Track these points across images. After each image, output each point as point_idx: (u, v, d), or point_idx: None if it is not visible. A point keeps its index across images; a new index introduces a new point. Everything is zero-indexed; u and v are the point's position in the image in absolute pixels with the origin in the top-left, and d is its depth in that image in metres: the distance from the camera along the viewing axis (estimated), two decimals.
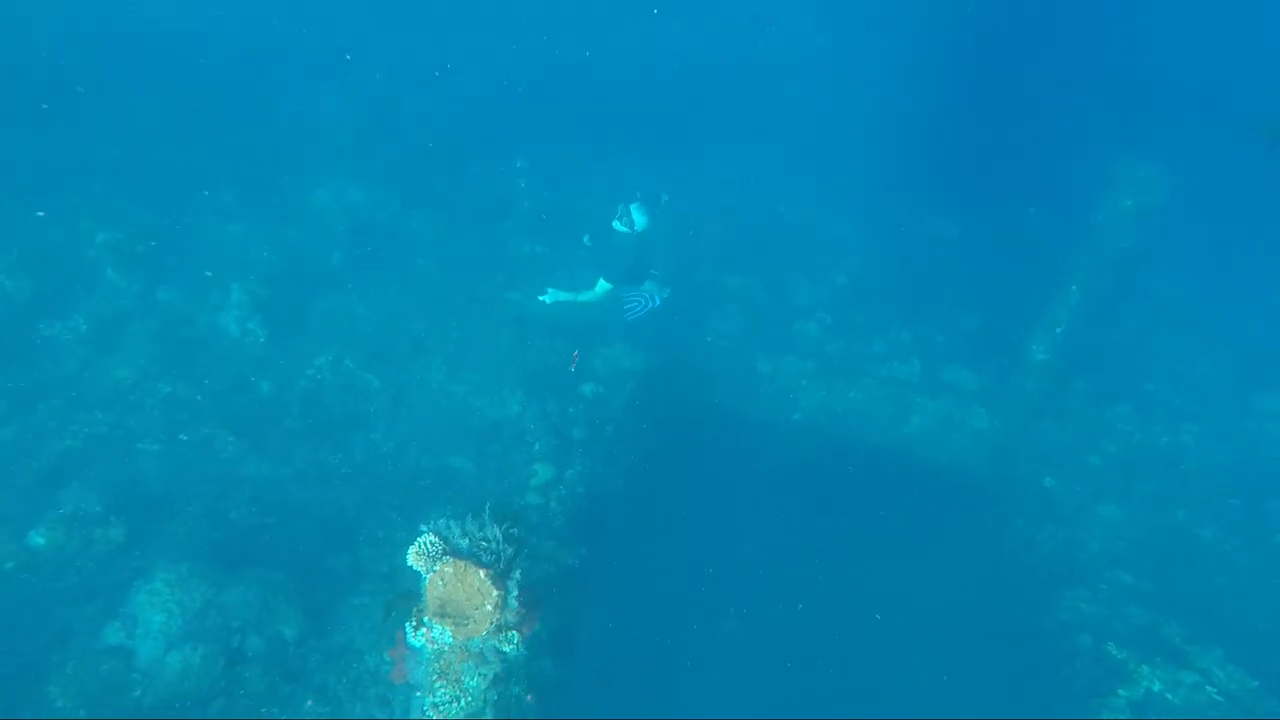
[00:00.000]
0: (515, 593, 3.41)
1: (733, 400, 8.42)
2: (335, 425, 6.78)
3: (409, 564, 3.32)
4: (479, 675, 3.39)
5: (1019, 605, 6.19)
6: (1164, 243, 8.75)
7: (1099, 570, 6.37)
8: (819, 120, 15.19)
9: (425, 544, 3.31)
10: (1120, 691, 4.98)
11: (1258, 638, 5.58)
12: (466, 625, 3.29)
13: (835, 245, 10.76)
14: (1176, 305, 10.18)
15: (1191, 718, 4.85)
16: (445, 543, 3.33)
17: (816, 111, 15.74)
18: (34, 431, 5.99)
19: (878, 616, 5.80)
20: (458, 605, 3.27)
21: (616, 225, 6.86)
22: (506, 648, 3.44)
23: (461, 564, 3.26)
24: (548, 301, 7.47)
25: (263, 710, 4.50)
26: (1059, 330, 7.56)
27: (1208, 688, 4.91)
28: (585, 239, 7.10)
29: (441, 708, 3.42)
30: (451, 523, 3.40)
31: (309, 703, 4.60)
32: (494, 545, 3.36)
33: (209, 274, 7.54)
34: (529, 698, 3.77)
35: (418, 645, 3.43)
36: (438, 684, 3.40)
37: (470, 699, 3.41)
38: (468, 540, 3.36)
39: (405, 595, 3.59)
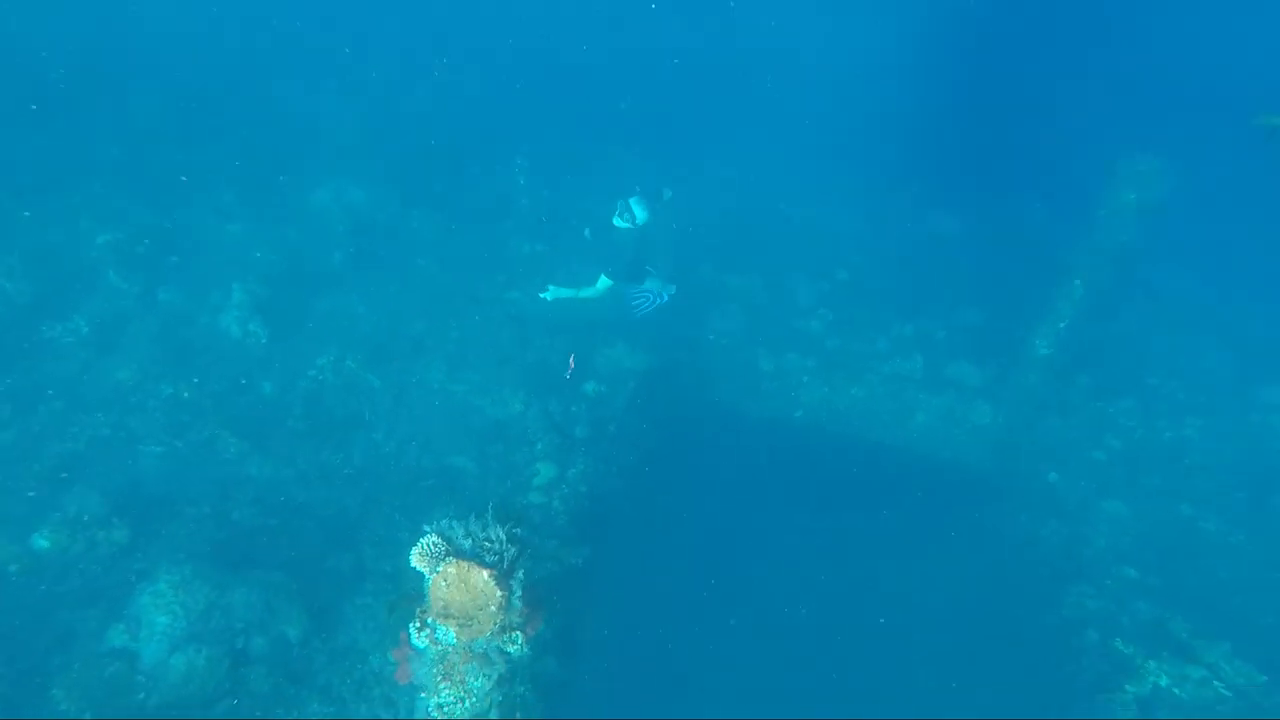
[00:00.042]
0: (519, 593, 3.40)
1: (735, 398, 8.40)
2: (337, 425, 6.76)
3: (412, 565, 3.31)
4: (483, 676, 3.38)
5: (1024, 602, 6.17)
6: (1167, 237, 8.71)
7: (1104, 566, 6.35)
8: (820, 117, 15.14)
9: (428, 545, 3.29)
10: (1127, 687, 4.97)
11: (1265, 632, 5.55)
12: (470, 626, 3.28)
13: (837, 242, 10.73)
14: (1180, 299, 10.15)
15: (1199, 714, 4.83)
16: (448, 543, 3.32)
17: (818, 109, 15.69)
18: (36, 434, 5.98)
19: (881, 620, 5.78)
20: (461, 606, 3.26)
21: (617, 221, 6.85)
22: (511, 648, 3.44)
23: (465, 565, 3.25)
24: (549, 299, 7.46)
25: (268, 712, 4.49)
26: (1062, 325, 7.53)
27: (1215, 682, 4.89)
28: (586, 232, 7.10)
29: (446, 709, 3.41)
30: (454, 523, 3.39)
31: (314, 704, 4.59)
32: (497, 546, 3.35)
33: (184, 262, 7.27)
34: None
35: (421, 646, 3.42)
36: (442, 685, 3.39)
37: (475, 700, 3.40)
38: (471, 541, 3.35)
39: (409, 595, 3.59)
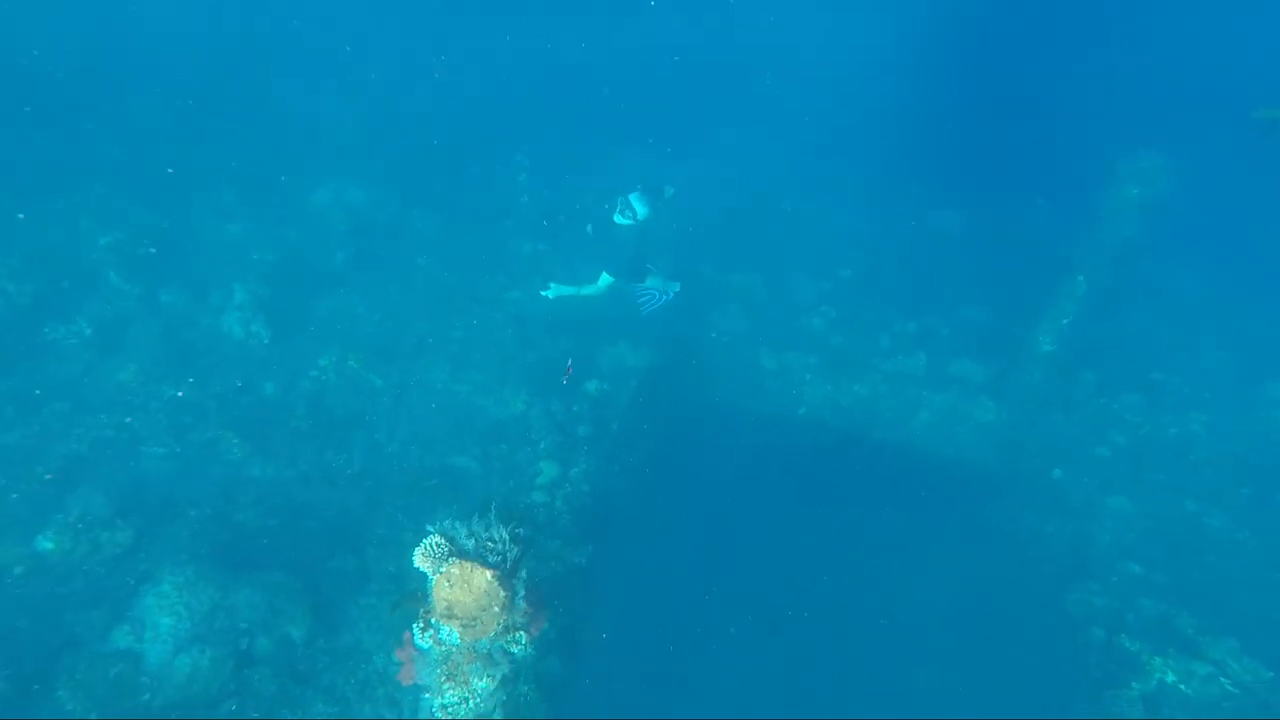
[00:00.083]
0: (522, 593, 3.39)
1: (737, 396, 8.38)
2: (339, 426, 6.76)
3: (415, 566, 3.31)
4: (487, 676, 3.38)
5: (1029, 599, 6.15)
6: (1171, 233, 8.68)
7: (1109, 562, 6.33)
8: (822, 114, 15.09)
9: (431, 545, 3.29)
10: (1133, 684, 4.95)
11: (1272, 628, 5.53)
12: (474, 627, 3.27)
13: (839, 239, 10.70)
14: (1184, 295, 10.10)
15: (1206, 711, 4.81)
16: (451, 544, 3.31)
17: (819, 106, 15.64)
18: (39, 435, 5.99)
19: (885, 619, 5.76)
20: (465, 607, 3.25)
21: (618, 218, 6.84)
22: (514, 649, 3.43)
23: (468, 565, 3.24)
24: (550, 296, 7.45)
25: (272, 712, 4.50)
26: (1065, 321, 7.51)
27: (1222, 679, 4.87)
28: (589, 229, 7.10)
29: (450, 709, 3.40)
30: (457, 524, 3.38)
31: (318, 704, 4.60)
32: (500, 546, 3.34)
33: (154, 251, 7.19)
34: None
35: (425, 647, 3.41)
36: (446, 685, 3.38)
37: (479, 700, 3.40)
38: (474, 541, 3.34)
39: (412, 595, 3.58)
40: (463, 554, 3.31)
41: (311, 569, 5.40)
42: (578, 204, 7.81)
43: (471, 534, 3.36)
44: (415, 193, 10.00)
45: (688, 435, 7.68)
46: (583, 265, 7.19)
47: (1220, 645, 5.11)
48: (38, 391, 6.27)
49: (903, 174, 12.58)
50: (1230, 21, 16.71)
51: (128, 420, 6.28)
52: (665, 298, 7.25)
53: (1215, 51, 17.01)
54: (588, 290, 7.30)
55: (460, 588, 3.26)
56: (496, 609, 3.28)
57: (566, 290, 7.39)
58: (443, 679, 3.42)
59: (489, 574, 3.26)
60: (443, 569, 3.27)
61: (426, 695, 3.55)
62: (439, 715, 3.44)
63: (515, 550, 3.40)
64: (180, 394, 6.49)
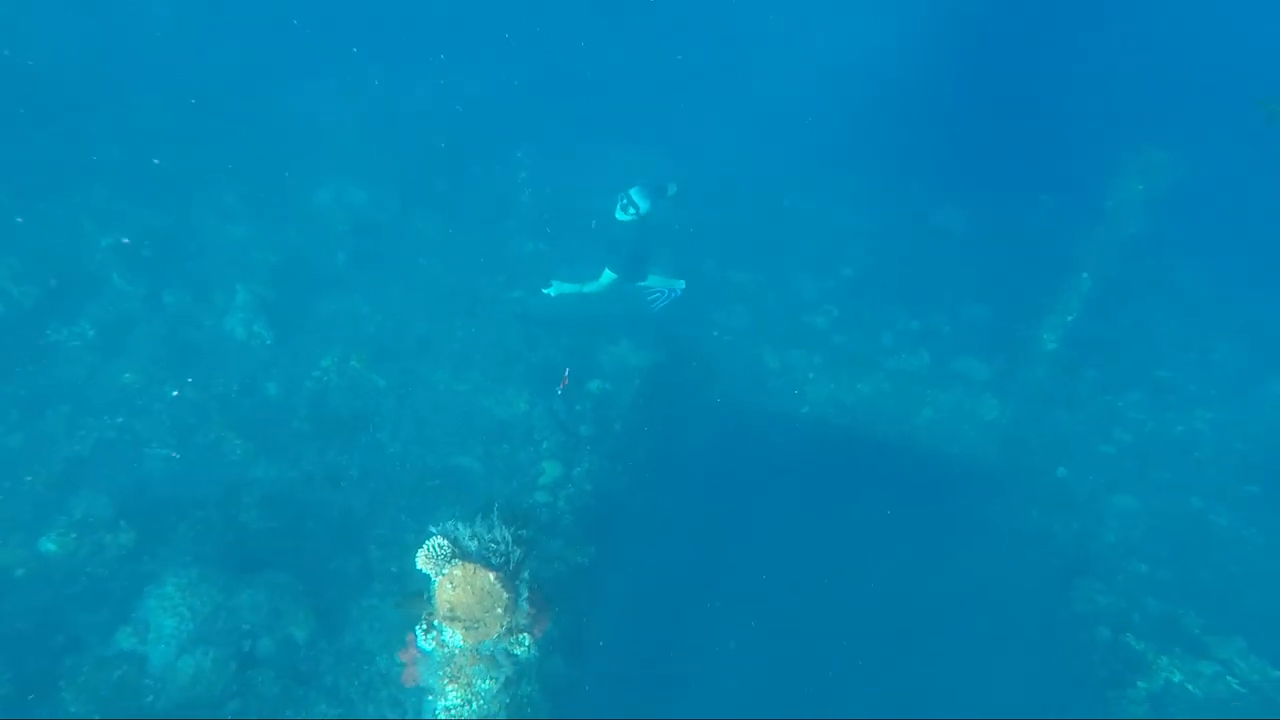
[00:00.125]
0: (525, 594, 3.38)
1: (740, 395, 8.36)
2: (342, 426, 6.76)
3: (418, 567, 3.30)
4: (490, 678, 3.37)
5: (1035, 597, 6.13)
6: (1176, 228, 8.63)
7: (1115, 561, 6.30)
8: (825, 112, 15.04)
9: (434, 547, 3.28)
10: (1139, 683, 4.92)
11: (1279, 627, 5.49)
12: (477, 629, 3.26)
13: (841, 237, 10.66)
14: (1188, 291, 10.04)
15: (1213, 711, 4.78)
16: (454, 545, 3.30)
17: (822, 104, 15.58)
18: (43, 437, 6.00)
19: (887, 620, 5.74)
20: (468, 608, 3.24)
21: (620, 214, 6.84)
22: (518, 650, 3.42)
23: (471, 567, 3.23)
24: (552, 295, 7.45)
25: (275, 713, 4.49)
26: (1069, 318, 7.47)
27: (1229, 678, 4.84)
28: (593, 224, 7.11)
29: (453, 711, 3.39)
30: (460, 525, 3.37)
31: (321, 705, 4.59)
32: (503, 547, 3.33)
33: (127, 241, 7.13)
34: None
35: (428, 649, 3.40)
36: (449, 687, 3.37)
37: (482, 702, 3.39)
38: (476, 542, 3.33)
39: (415, 595, 3.57)
40: (466, 556, 3.29)
41: (314, 570, 5.40)
42: (579, 202, 7.81)
43: (474, 535, 3.35)
44: (416, 192, 9.99)
45: (690, 434, 7.67)
46: (584, 262, 7.19)
47: (1227, 644, 5.08)
48: (40, 394, 6.28)
49: (905, 171, 12.53)
50: (1236, 16, 16.60)
51: (131, 422, 6.28)
52: (673, 295, 7.30)
53: (1221, 46, 16.90)
54: (590, 287, 7.29)
55: (463, 589, 3.25)
56: (500, 611, 3.27)
57: (569, 288, 7.38)
58: (446, 681, 3.41)
59: (492, 576, 3.24)
60: (445, 571, 3.26)
61: (430, 697, 3.54)
62: (442, 717, 3.43)
63: (518, 551, 3.39)
64: (176, 393, 6.48)
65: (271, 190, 9.39)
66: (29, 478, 5.60)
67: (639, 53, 17.30)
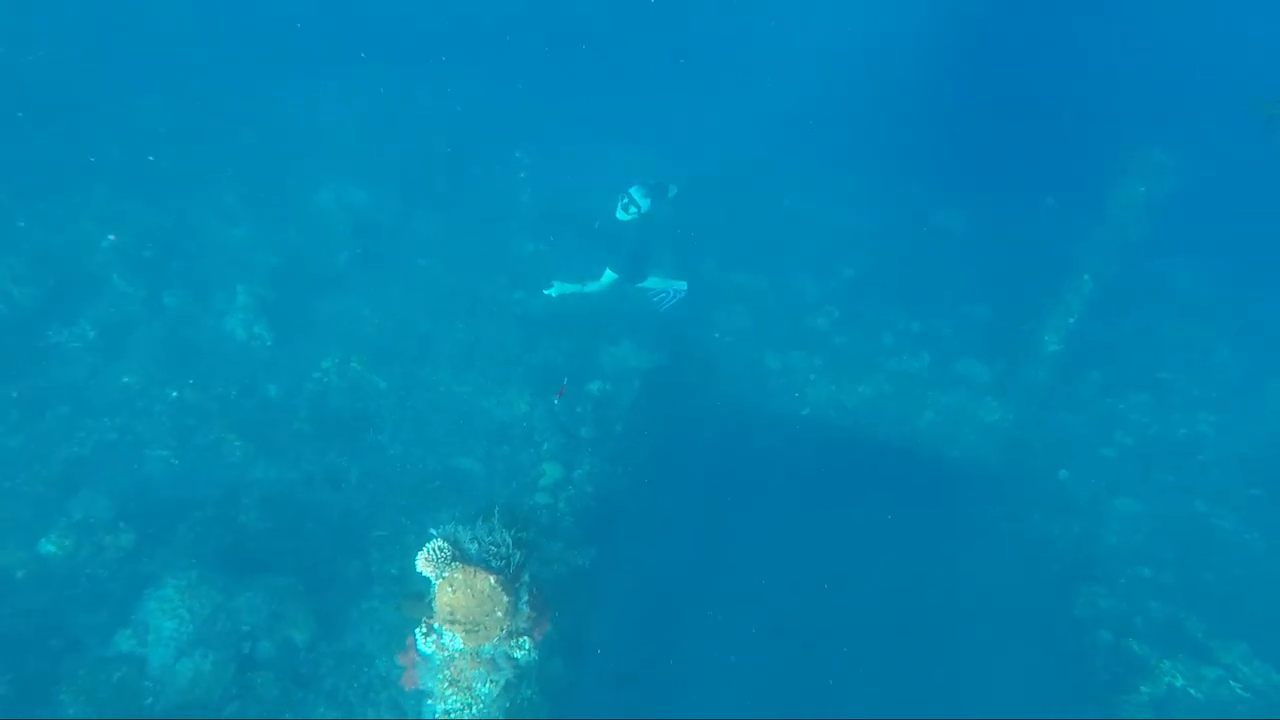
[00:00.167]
0: (526, 598, 3.37)
1: (741, 396, 8.35)
2: (343, 428, 6.75)
3: (418, 570, 3.28)
4: (490, 682, 3.36)
5: (1036, 601, 6.11)
6: (1178, 230, 8.60)
7: (1117, 564, 6.27)
8: (825, 113, 15.03)
9: (434, 550, 3.26)
10: (1142, 688, 4.90)
11: None
12: (477, 632, 3.25)
13: (842, 238, 10.64)
14: (1191, 293, 10.01)
15: (1216, 715, 4.76)
16: (454, 548, 3.29)
17: (823, 104, 15.57)
18: (43, 439, 5.99)
19: (888, 623, 5.72)
20: (468, 612, 3.23)
21: (621, 214, 6.85)
22: (518, 653, 3.40)
23: (471, 570, 3.22)
24: (554, 295, 7.45)
25: (275, 715, 4.48)
26: (1071, 320, 7.46)
27: (1232, 683, 4.82)
28: (595, 224, 7.13)
29: (453, 714, 3.38)
30: (460, 528, 3.36)
31: (321, 708, 4.58)
32: (503, 550, 3.32)
33: (113, 238, 7.11)
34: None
35: (428, 652, 3.39)
36: (449, 691, 3.36)
37: (482, 706, 3.37)
38: (477, 545, 3.32)
39: (415, 598, 3.56)
40: (466, 558, 3.28)
41: (314, 571, 5.39)
42: (580, 202, 7.81)
43: (475, 538, 3.34)
44: (417, 193, 9.98)
45: (691, 436, 7.66)
46: (585, 262, 7.20)
47: (1231, 649, 5.05)
48: (40, 395, 6.28)
49: (906, 171, 12.51)
50: (1238, 17, 16.58)
51: (131, 423, 6.28)
52: (679, 296, 7.35)
53: (1223, 48, 16.88)
54: (591, 287, 7.30)
55: (463, 593, 3.24)
56: (500, 614, 3.26)
57: (570, 288, 7.38)
58: (445, 684, 3.40)
59: (492, 579, 3.23)
60: (445, 574, 3.25)
61: (429, 700, 3.53)
62: None
63: (519, 554, 3.38)
64: (176, 394, 6.47)
65: (272, 191, 9.39)
66: (29, 479, 5.59)
67: (640, 53, 17.31)
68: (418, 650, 3.45)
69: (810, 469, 7.32)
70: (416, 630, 3.38)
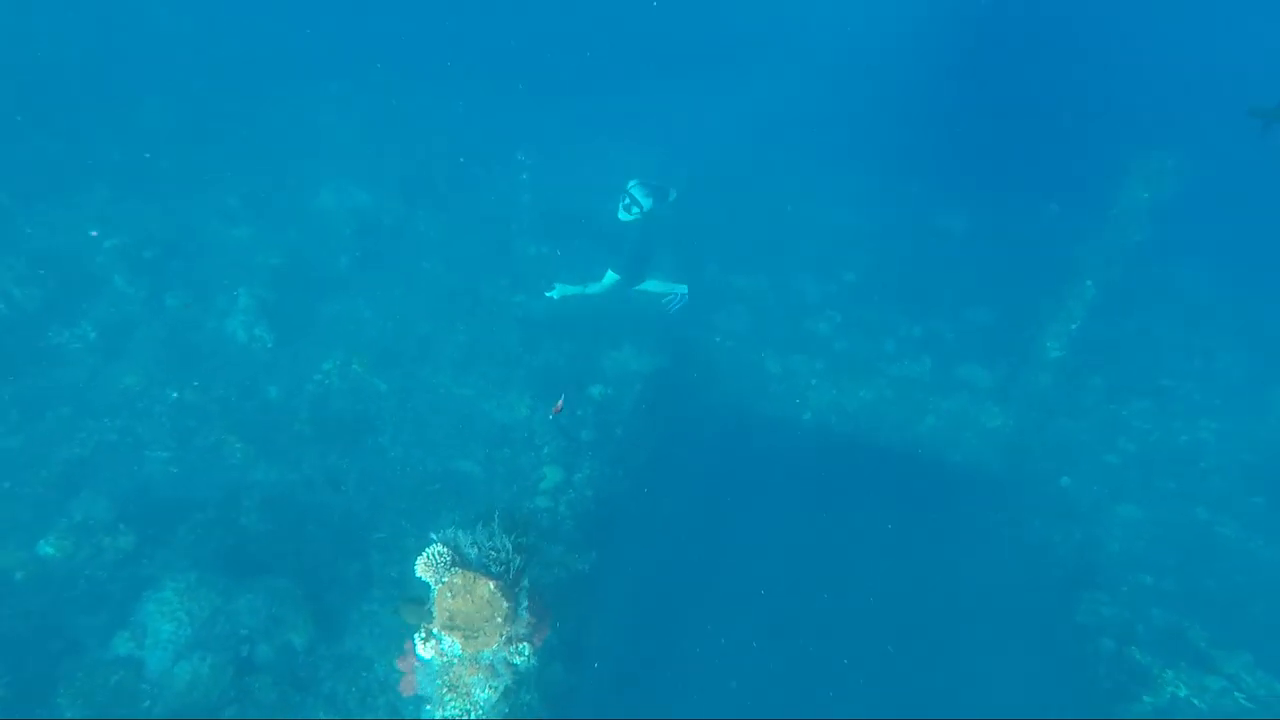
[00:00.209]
0: (525, 603, 3.35)
1: (742, 400, 8.33)
2: (343, 430, 6.74)
3: (418, 575, 3.27)
4: (489, 688, 3.34)
5: (1037, 608, 6.08)
6: (1181, 235, 8.59)
7: (1119, 571, 6.24)
8: (827, 115, 15.03)
9: (434, 554, 3.25)
10: (1145, 698, 4.87)
11: None
12: (476, 638, 3.23)
13: (844, 242, 10.64)
14: (1194, 299, 9.99)
15: None
16: (454, 553, 3.28)
17: (824, 106, 15.57)
18: (44, 440, 5.99)
19: (889, 630, 5.69)
20: (467, 617, 3.21)
21: (623, 215, 6.85)
22: (517, 659, 3.39)
23: (470, 575, 3.21)
24: (555, 297, 7.44)
25: (273, 719, 4.46)
26: (1074, 326, 7.43)
27: (1236, 694, 4.79)
28: (596, 224, 7.17)
29: None
30: (460, 532, 3.35)
31: (319, 712, 4.56)
32: (503, 555, 3.30)
33: (95, 234, 7.12)
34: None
35: (427, 658, 3.37)
36: (448, 697, 3.34)
37: (480, 712, 3.36)
38: (477, 550, 3.31)
39: (414, 602, 3.55)
40: (466, 563, 3.27)
41: (314, 574, 5.37)
42: (581, 203, 7.81)
43: (474, 543, 3.33)
44: (419, 194, 9.99)
45: (692, 440, 7.64)
46: (587, 263, 7.20)
47: (1234, 659, 5.02)
48: (41, 395, 6.27)
49: (908, 174, 12.51)
50: (1242, 21, 16.57)
51: (131, 424, 6.27)
52: (683, 300, 7.38)
53: (1227, 52, 16.87)
54: (593, 288, 7.29)
55: (463, 598, 3.22)
56: (499, 620, 3.24)
57: (571, 289, 7.38)
58: (444, 690, 3.38)
59: (492, 584, 3.22)
60: (445, 579, 3.24)
61: (428, 706, 3.51)
62: None
63: (518, 559, 3.36)
64: (175, 395, 6.46)
65: (274, 192, 9.40)
66: (29, 480, 5.59)
67: (641, 55, 17.32)
68: (416, 655, 3.44)
69: (811, 473, 7.30)
70: (415, 635, 3.37)
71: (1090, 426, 7.93)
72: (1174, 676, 4.97)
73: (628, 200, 6.77)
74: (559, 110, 13.24)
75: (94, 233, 7.39)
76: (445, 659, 3.37)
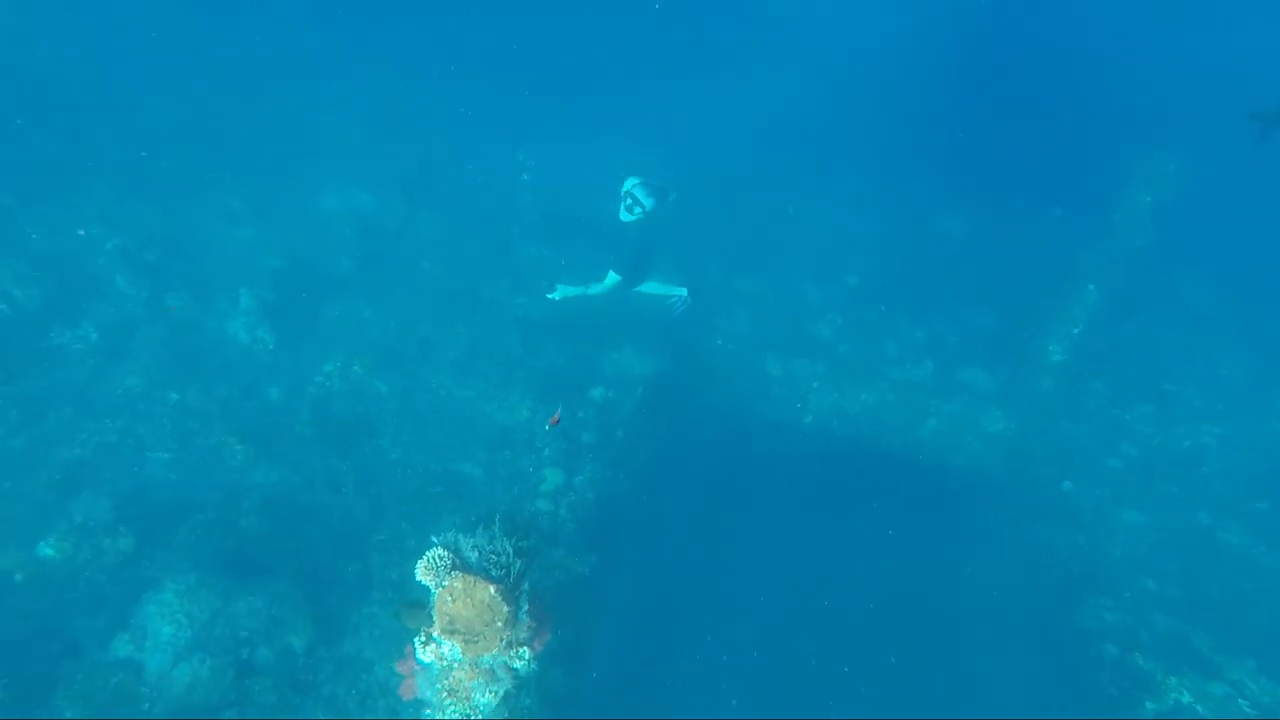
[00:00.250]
0: (526, 607, 3.34)
1: (743, 403, 8.32)
2: (344, 432, 6.73)
3: (418, 579, 3.26)
4: (489, 692, 3.32)
5: (1040, 613, 6.05)
6: (1183, 239, 8.58)
7: (1122, 576, 6.22)
8: (829, 117, 15.03)
9: (434, 558, 3.24)
10: (1148, 704, 4.84)
11: None
12: (476, 642, 3.22)
13: (846, 245, 10.63)
14: (1197, 303, 9.98)
15: None
16: (455, 556, 3.27)
17: (826, 108, 15.58)
18: (44, 440, 5.98)
19: (891, 636, 5.66)
20: (467, 621, 3.20)
21: (624, 215, 6.85)
22: (517, 664, 3.37)
23: (471, 579, 3.19)
24: (557, 299, 7.44)
25: None
26: (1076, 330, 7.43)
27: (1240, 700, 4.76)
28: (597, 225, 7.20)
29: None
30: (461, 536, 3.33)
31: (319, 714, 4.55)
32: (504, 559, 3.29)
33: (83, 233, 7.20)
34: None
35: (427, 662, 3.36)
36: (447, 701, 3.33)
37: (481, 716, 3.34)
38: (477, 553, 3.29)
39: (415, 605, 3.54)
40: (466, 567, 3.26)
41: (314, 576, 5.36)
42: (583, 203, 7.81)
43: (475, 546, 3.31)
44: (420, 196, 9.99)
45: (693, 443, 7.63)
46: (588, 264, 7.20)
47: (1238, 665, 5.00)
48: (42, 396, 6.27)
49: (910, 177, 12.51)
50: (1247, 25, 16.57)
51: (132, 425, 6.27)
52: (686, 303, 7.41)
53: (1230, 54, 16.86)
54: (595, 289, 7.29)
55: (463, 602, 3.21)
56: (499, 624, 3.23)
57: (573, 291, 7.38)
58: (444, 694, 3.37)
59: (492, 588, 3.20)
60: (445, 583, 3.22)
61: (427, 710, 3.50)
62: None
63: (519, 563, 3.35)
64: (177, 397, 6.46)
65: (276, 193, 9.40)
66: (29, 481, 5.58)
67: (642, 55, 17.34)
68: (416, 659, 3.42)
69: (812, 477, 7.28)
70: (415, 639, 3.36)
71: (1092, 431, 7.92)
72: (1178, 683, 4.94)
73: (629, 200, 6.77)
74: (560, 110, 13.26)
75: (81, 231, 7.38)
76: (445, 663, 3.35)
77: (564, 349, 7.81)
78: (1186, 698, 4.81)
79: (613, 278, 7.15)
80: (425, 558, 3.25)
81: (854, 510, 6.86)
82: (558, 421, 4.91)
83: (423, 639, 3.33)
